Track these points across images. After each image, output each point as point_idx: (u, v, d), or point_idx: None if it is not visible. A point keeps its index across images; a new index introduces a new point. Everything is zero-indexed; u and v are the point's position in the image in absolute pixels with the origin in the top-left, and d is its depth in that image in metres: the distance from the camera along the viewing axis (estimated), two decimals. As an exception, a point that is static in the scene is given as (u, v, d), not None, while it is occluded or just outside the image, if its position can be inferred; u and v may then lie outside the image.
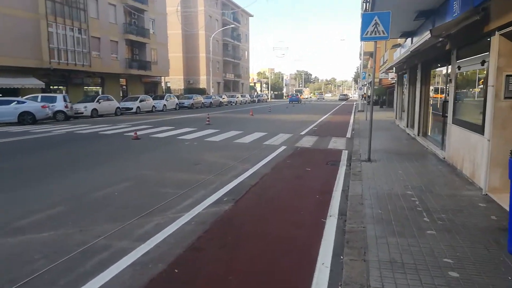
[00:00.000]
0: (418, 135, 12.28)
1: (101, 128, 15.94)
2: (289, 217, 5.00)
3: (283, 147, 11.22)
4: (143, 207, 5.28)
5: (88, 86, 33.54)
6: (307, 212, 5.24)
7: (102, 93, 33.95)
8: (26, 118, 18.29)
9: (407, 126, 14.91)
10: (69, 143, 12.08)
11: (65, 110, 21.09)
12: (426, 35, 6.46)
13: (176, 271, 3.47)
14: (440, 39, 7.71)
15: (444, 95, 9.53)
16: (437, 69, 10.81)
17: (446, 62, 9.20)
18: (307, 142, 12.53)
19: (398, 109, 18.93)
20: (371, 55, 55.77)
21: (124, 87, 38.86)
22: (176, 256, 3.77)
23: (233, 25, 64.18)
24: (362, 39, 8.33)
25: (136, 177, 7.17)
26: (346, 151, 10.65)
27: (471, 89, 7.36)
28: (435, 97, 11.20)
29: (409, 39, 14.56)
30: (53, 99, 21.05)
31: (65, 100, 21.41)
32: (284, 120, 22.36)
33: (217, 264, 3.63)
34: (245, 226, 4.67)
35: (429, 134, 11.72)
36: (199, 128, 16.20)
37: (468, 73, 7.30)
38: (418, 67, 12.38)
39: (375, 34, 8.16)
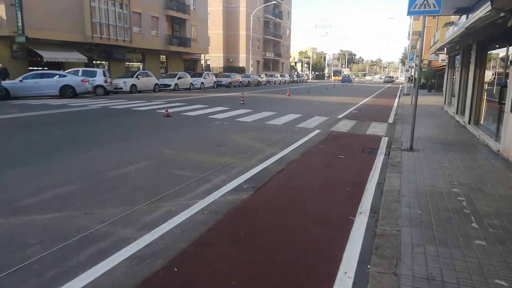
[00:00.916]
0: (469, 123, 11.11)
1: (136, 104, 15.98)
2: (313, 212, 4.47)
3: (317, 131, 10.56)
4: (157, 191, 4.95)
5: (129, 62, 34.04)
6: (334, 206, 4.67)
7: (143, 69, 34.41)
8: (67, 91, 18.73)
9: (457, 113, 13.63)
10: (101, 118, 12.12)
11: (104, 85, 21.43)
12: (486, 7, 5.48)
13: (176, 270, 3.07)
14: (502, 14, 6.62)
15: (502, 79, 8.37)
16: (495, 51, 9.56)
17: (506, 42, 8.03)
18: (344, 126, 11.75)
19: (448, 94, 17.45)
20: (420, 35, 52.30)
21: (164, 63, 39.12)
22: (179, 251, 3.38)
23: (274, 2, 62.39)
24: (409, 13, 7.37)
25: (157, 156, 6.88)
26: (386, 138, 9.81)
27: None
28: (492, 81, 9.98)
29: (464, 16, 13.08)
30: (93, 74, 21.41)
31: (104, 75, 21.73)
32: (323, 102, 21.44)
33: (223, 264, 3.19)
34: (262, 219, 4.20)
35: (481, 122, 10.55)
36: (232, 107, 15.79)
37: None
38: (472, 48, 11.09)
39: (425, 7, 7.19)
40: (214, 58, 55.77)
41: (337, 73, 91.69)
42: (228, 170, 6.12)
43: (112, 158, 6.75)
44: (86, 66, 26.66)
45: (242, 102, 17.81)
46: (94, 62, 29.73)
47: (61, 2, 25.28)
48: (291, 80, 60.33)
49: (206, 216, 4.19)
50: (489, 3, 5.32)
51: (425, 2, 7.13)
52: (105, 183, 5.32)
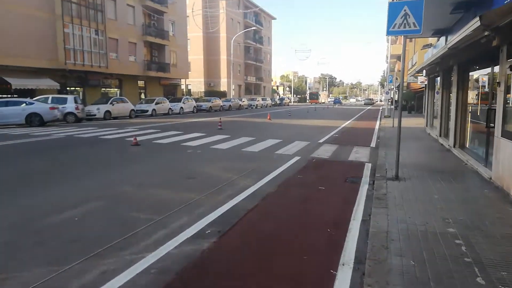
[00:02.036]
0: (454, 146, 10.66)
1: (105, 132, 15.05)
2: (286, 266, 3.68)
3: (296, 158, 9.88)
4: (98, 242, 4.09)
5: (106, 88, 33.18)
6: (312, 256, 3.91)
7: (120, 94, 33.58)
8: (34, 119, 17.69)
9: (440, 135, 13.24)
10: (61, 149, 11.15)
11: (75, 112, 20.46)
12: (473, 24, 5.00)
13: None
14: (486, 33, 6.19)
15: (488, 101, 7.94)
16: (477, 72, 9.22)
17: (491, 62, 7.65)
18: (325, 152, 11.13)
19: (429, 116, 17.19)
20: (398, 58, 53.45)
21: (143, 89, 38.37)
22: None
23: (254, 28, 63.11)
24: (388, 33, 6.92)
25: (112, 195, 6.01)
26: (370, 164, 9.20)
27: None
28: (476, 104, 9.60)
29: (442, 38, 12.93)
30: (64, 101, 20.46)
31: (76, 102, 20.80)
32: (303, 125, 20.95)
33: None
34: (220, 282, 3.38)
35: (467, 146, 10.10)
36: (209, 133, 15.05)
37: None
38: (453, 69, 10.78)
39: (404, 27, 6.74)
40: (195, 82, 55.42)
41: (313, 96, 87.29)
42: (192, 209, 5.31)
43: (56, 199, 5.84)
44: (59, 93, 25.70)
45: (219, 127, 17.12)
46: (68, 88, 28.78)
47: (32, 28, 24.50)
48: (273, 103, 60.32)
49: (151, 278, 3.35)
50: (477, 19, 4.83)
51: (405, 21, 6.69)
52: (39, 232, 4.42)
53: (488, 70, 8.10)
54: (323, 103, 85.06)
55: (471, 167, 8.22)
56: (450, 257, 3.67)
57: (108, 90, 33.76)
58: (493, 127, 7.06)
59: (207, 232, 4.45)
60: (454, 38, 6.52)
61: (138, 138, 12.92)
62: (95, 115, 22.81)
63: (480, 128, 9.33)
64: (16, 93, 23.32)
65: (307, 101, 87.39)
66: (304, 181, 7.41)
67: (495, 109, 7.07)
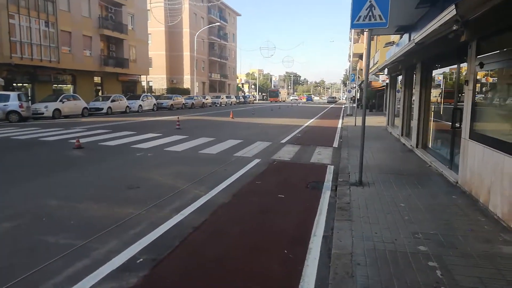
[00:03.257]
0: (417, 146, 10.41)
1: (48, 133, 13.65)
2: (231, 305, 2.98)
3: (256, 161, 9.21)
4: (-6, 281, 3.19)
5: (58, 84, 30.99)
6: (264, 289, 3.23)
7: (74, 91, 31.48)
8: (-32, 119, 15.91)
9: (402, 135, 13.06)
10: (-5, 152, 9.88)
11: (19, 110, 18.70)
12: (448, 13, 4.51)
13: None
14: (455, 27, 5.77)
15: (454, 100, 7.63)
16: (443, 69, 8.95)
17: (457, 59, 7.33)
18: (287, 153, 10.55)
19: (391, 115, 17.11)
20: (360, 56, 54.31)
21: (100, 85, 36.33)
22: None
23: (219, 24, 61.96)
24: (353, 26, 6.37)
25: (32, 212, 5.04)
26: (332, 167, 8.70)
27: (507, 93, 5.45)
28: (439, 102, 9.35)
29: (405, 36, 12.72)
30: (6, 98, 18.65)
31: (20, 99, 19.01)
32: (267, 124, 20.36)
33: None
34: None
35: (429, 146, 9.86)
36: (165, 133, 14.08)
37: (499, 71, 5.39)
38: (416, 67, 10.52)
39: (370, 19, 6.23)
40: (157, 79, 53.57)
41: (273, 93, 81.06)
42: (126, 229, 4.48)
43: (-38, 218, 4.81)
44: (4, 89, 23.55)
45: (178, 127, 16.15)
46: (14, 84, 26.54)
47: (-30, 17, 22.25)
48: (238, 101, 59.51)
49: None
50: (453, 7, 4.33)
51: (370, 13, 6.17)
52: None
53: (451, 67, 7.79)
54: (283, 101, 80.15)
55: (436, 169, 7.90)
56: (424, 286, 3.11)
57: (61, 86, 31.56)
58: (459, 127, 6.73)
59: (138, 261, 3.65)
60: (422, 32, 6.08)
61: (84, 140, 11.79)
62: (42, 113, 21.02)
63: (443, 128, 9.08)
64: (-48, 89, 21.12)
65: (257, 100, 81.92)
66: (263, 188, 6.75)
67: (462, 108, 6.73)
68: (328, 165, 8.93)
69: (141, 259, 3.68)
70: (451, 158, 7.44)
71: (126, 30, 37.40)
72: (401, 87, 13.92)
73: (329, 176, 7.77)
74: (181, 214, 5.07)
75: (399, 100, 14.20)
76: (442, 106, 9.35)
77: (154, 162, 8.82)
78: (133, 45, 39.56)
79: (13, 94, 19.15)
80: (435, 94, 9.98)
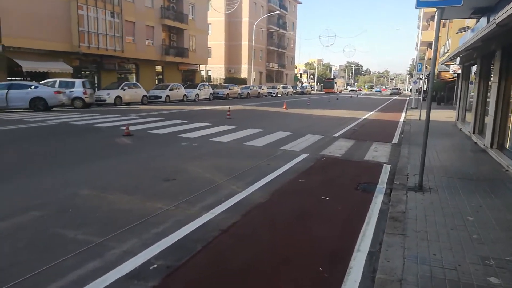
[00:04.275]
0: (491, 146, 9.06)
1: (104, 119, 14.07)
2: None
3: (303, 155, 8.58)
4: (-1, 278, 3.00)
5: (122, 72, 32.48)
6: (286, 317, 2.68)
7: (137, 80, 32.85)
8: (38, 104, 17.03)
9: (474, 132, 11.57)
10: (47, 137, 10.26)
11: (83, 96, 19.72)
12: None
13: None
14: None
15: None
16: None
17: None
18: (339, 148, 9.76)
19: (462, 109, 15.38)
20: (429, 45, 50.33)
21: (161, 74, 37.55)
22: None
23: (278, 12, 61.01)
24: (419, 4, 5.44)
25: (59, 202, 4.93)
26: (389, 166, 7.81)
27: None
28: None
29: (483, 19, 11.13)
30: (72, 85, 19.74)
31: (84, 86, 20.03)
32: (321, 116, 19.46)
33: None
34: None
35: (507, 147, 8.50)
36: (215, 123, 13.89)
37: None
38: (496, 55, 9.09)
39: (440, -4, 5.26)
40: (215, 68, 54.35)
41: (328, 84, 74.46)
42: (150, 227, 4.16)
43: (-2, 203, 4.83)
44: (73, 77, 25.10)
45: (228, 117, 15.91)
46: (82, 72, 28.23)
47: (45, 9, 23.82)
48: (295, 91, 58.44)
49: None
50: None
51: (440, -11, 5.21)
52: None
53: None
54: (340, 92, 73.86)
55: (515, 176, 6.70)
56: None
57: (124, 74, 33.08)
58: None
59: (151, 267, 3.28)
60: (506, 11, 4.99)
61: (137, 127, 11.94)
62: (105, 100, 22.04)
63: (526, 126, 7.75)
64: (28, 76, 22.88)
65: (315, 90, 76.70)
66: (306, 187, 6.13)
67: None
68: (385, 164, 8.04)
69: (155, 265, 3.31)
70: (536, 163, 6.23)
71: (187, 20, 38.09)
72: (475, 78, 12.33)
73: (384, 177, 6.93)
74: (211, 213, 4.66)
75: (473, 93, 12.62)
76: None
77: (197, 152, 8.56)
78: (193, 35, 40.24)
79: (78, 81, 20.23)
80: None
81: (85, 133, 10.97)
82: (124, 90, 23.26)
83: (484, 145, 9.64)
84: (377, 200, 5.53)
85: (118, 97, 22.62)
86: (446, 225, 4.33)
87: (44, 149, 8.72)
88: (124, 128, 10.72)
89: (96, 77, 29.71)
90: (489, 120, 9.41)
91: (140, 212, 4.61)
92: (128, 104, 23.87)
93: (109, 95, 22.19)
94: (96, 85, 29.02)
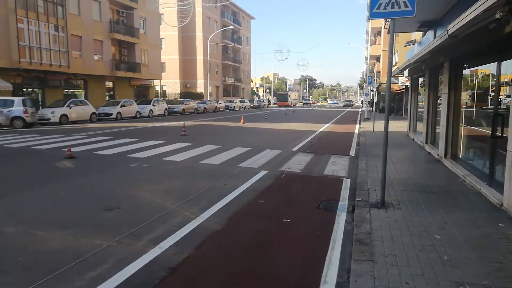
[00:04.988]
0: (445, 156, 9.20)
1: (44, 141, 12.87)
2: None
3: (262, 173, 8.20)
4: None
5: (68, 89, 30.69)
6: None
7: (85, 96, 31.22)
8: (-31, 125, 15.42)
9: (427, 142, 11.83)
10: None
11: (24, 116, 18.19)
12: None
13: None
14: (498, 15, 4.66)
15: (493, 104, 6.46)
16: (476, 68, 7.77)
17: (498, 55, 6.16)
18: (298, 163, 9.49)
19: (412, 119, 15.84)
20: (377, 59, 52.73)
21: (111, 90, 35.98)
22: None
23: (232, 27, 61.34)
24: (372, 15, 5.30)
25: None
26: (349, 181, 7.62)
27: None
28: (471, 106, 8.16)
29: (430, 33, 11.51)
30: (11, 103, 18.18)
31: (24, 105, 18.51)
32: (279, 130, 19.31)
33: None
34: None
35: (460, 156, 8.65)
36: (169, 140, 13.20)
37: None
38: (444, 66, 9.33)
39: (392, 7, 5.15)
40: (170, 83, 53.27)
41: (282, 97, 73.29)
42: (82, 271, 3.51)
43: None
44: (13, 94, 23.24)
45: (183, 133, 15.26)
46: (24, 89, 26.31)
47: (-21, 22, 22.02)
48: (252, 105, 58.57)
49: None
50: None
51: (393, 0, 5.09)
52: None
53: (493, 65, 6.61)
54: (294, 105, 72.90)
55: (472, 186, 6.71)
56: None
57: (72, 91, 31.28)
58: (502, 137, 5.59)
59: (79, 327, 2.67)
60: (459, 21, 4.95)
61: (80, 148, 11.02)
62: (49, 119, 20.51)
63: (477, 135, 7.90)
64: (-40, 95, 20.87)
65: (271, 104, 75.34)
66: (266, 208, 5.72)
67: (504, 114, 5.59)
68: (344, 179, 7.84)
69: (85, 325, 2.70)
70: (491, 173, 6.26)
71: (138, 34, 37.04)
72: (424, 90, 12.70)
73: (345, 193, 6.69)
74: (159, 248, 4.09)
75: (425, 103, 12.98)
76: (475, 110, 8.18)
77: (147, 174, 7.90)
78: (145, 49, 39.18)
79: (17, 100, 18.68)
80: (464, 96, 8.80)
81: (20, 157, 9.88)
82: (70, 107, 21.85)
83: (438, 155, 9.79)
84: (340, 219, 5.23)
85: (64, 115, 21.18)
86: (414, 246, 4.06)
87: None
88: (66, 149, 9.77)
89: (40, 94, 27.84)
90: (441, 130, 9.59)
91: (74, 251, 3.94)
92: (75, 122, 22.47)
93: (53, 114, 20.70)
94: (40, 103, 27.15)
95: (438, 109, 11.08)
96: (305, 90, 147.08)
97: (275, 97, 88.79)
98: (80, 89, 32.07)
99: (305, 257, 4.00)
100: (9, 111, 17.77)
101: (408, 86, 20.53)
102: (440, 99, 10.35)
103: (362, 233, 4.47)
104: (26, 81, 26.25)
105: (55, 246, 4.09)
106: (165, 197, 6.13)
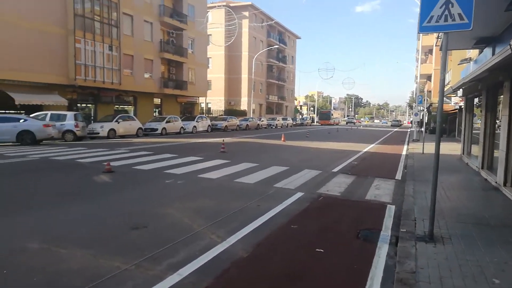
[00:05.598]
0: (505, 184, 8.23)
1: (89, 154, 13.32)
2: None
3: (298, 195, 7.77)
4: None
5: (119, 105, 32.18)
6: None
7: (134, 112, 32.57)
8: (25, 137, 16.41)
9: (483, 167, 10.77)
10: (18, 174, 9.49)
11: (74, 129, 19.13)
12: None
13: None
14: None
15: None
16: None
17: None
18: (337, 185, 8.94)
19: (467, 142, 14.64)
20: (428, 78, 50.50)
21: (159, 106, 37.29)
22: None
23: (277, 46, 61.86)
24: (421, 29, 4.83)
25: (0, 258, 4.10)
26: (393, 207, 6.98)
27: None
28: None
29: (487, 50, 10.61)
30: (63, 117, 19.22)
31: (76, 119, 19.49)
32: (320, 149, 18.72)
33: None
34: None
35: (523, 184, 7.69)
36: (207, 157, 13.14)
37: None
38: (505, 85, 8.46)
39: (446, 20, 4.65)
40: (215, 101, 54.41)
41: (324, 116, 71.29)
42: (96, 296, 3.31)
43: None
44: (68, 109, 24.72)
45: (222, 150, 15.20)
46: (78, 105, 27.90)
47: (41, 43, 23.74)
48: (295, 123, 58.13)
49: None
50: None
51: (446, 12, 4.61)
52: None
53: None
54: (337, 124, 71.03)
55: (539, 221, 5.84)
56: None
57: (122, 107, 32.78)
58: None
59: None
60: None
61: (120, 163, 11.22)
62: (98, 133, 21.47)
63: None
64: (22, 109, 22.49)
65: (315, 122, 73.49)
66: (298, 235, 5.29)
67: None
68: (388, 205, 7.21)
69: None
70: None
71: (186, 53, 38.31)
72: (481, 111, 11.68)
73: (388, 222, 6.08)
74: (177, 275, 3.81)
75: (481, 125, 11.93)
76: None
77: (180, 192, 7.75)
78: (193, 68, 40.39)
79: (69, 114, 19.72)
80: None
81: (62, 170, 10.19)
82: (118, 122, 22.75)
83: (496, 182, 8.81)
84: (381, 253, 4.68)
85: (112, 129, 22.06)
86: (468, 292, 3.46)
87: (7, 189, 7.92)
88: (105, 164, 9.95)
89: (93, 109, 29.39)
90: (500, 155, 8.64)
91: (91, 273, 3.77)
92: (122, 137, 23.30)
93: (102, 128, 21.64)
94: (92, 117, 28.64)
95: (496, 132, 10.09)
96: (350, 109, 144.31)
97: (318, 116, 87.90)
98: (130, 105, 33.53)
99: (338, 297, 3.53)
100: (61, 124, 18.78)
101: (462, 106, 19.19)
102: (499, 121, 9.41)
103: (405, 271, 3.92)
104: (81, 97, 27.84)
105: (73, 267, 3.94)
106: (195, 217, 5.89)
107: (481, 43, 9.67)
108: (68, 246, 4.50)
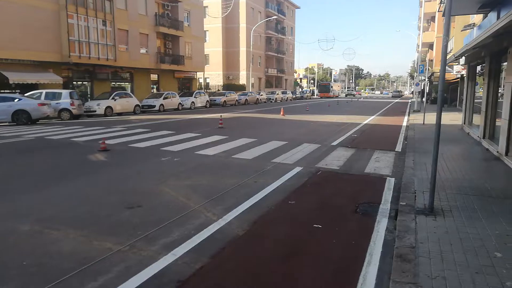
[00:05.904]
0: (507, 154, 8.09)
1: (84, 132, 13.12)
2: None
3: (297, 169, 7.65)
4: None
5: (115, 82, 31.70)
6: None
7: (131, 89, 32.13)
8: (20, 117, 16.19)
9: (484, 137, 10.61)
10: (11, 155, 9.33)
11: (70, 108, 18.87)
12: None
13: None
14: None
15: None
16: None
17: None
18: (337, 159, 8.81)
19: (468, 111, 14.41)
20: (430, 46, 49.46)
21: (156, 83, 36.77)
22: None
23: (276, 17, 60.35)
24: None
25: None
26: (393, 180, 6.88)
27: None
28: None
29: (492, 14, 10.21)
30: (59, 96, 18.92)
31: (71, 97, 19.18)
32: (320, 122, 18.50)
33: None
34: None
35: (526, 154, 7.54)
36: (205, 133, 12.97)
37: None
38: (509, 51, 8.16)
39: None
40: (213, 75, 53.62)
41: (323, 88, 69.82)
42: (87, 278, 3.23)
43: None
44: (64, 87, 24.33)
45: (220, 126, 15.01)
46: (74, 83, 27.46)
47: (33, 19, 23.07)
48: (295, 97, 57.54)
49: None
50: None
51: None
52: None
53: None
54: (337, 97, 69.45)
55: (541, 190, 5.73)
56: None
57: (118, 84, 32.30)
58: None
59: None
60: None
61: (117, 140, 11.08)
62: (95, 111, 21.20)
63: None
64: (17, 88, 22.13)
65: (315, 95, 71.52)
66: (296, 211, 5.19)
67: None
68: (388, 178, 7.10)
69: None
70: None
71: (182, 27, 37.36)
72: (483, 79, 11.39)
73: (387, 195, 5.98)
74: (172, 254, 3.72)
75: (483, 94, 11.67)
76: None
77: (176, 169, 7.63)
78: (189, 42, 39.50)
79: (64, 92, 19.40)
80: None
81: (57, 149, 10.03)
82: (115, 100, 22.42)
83: (498, 152, 8.67)
84: (380, 227, 4.59)
85: (109, 107, 21.78)
86: (468, 266, 3.37)
87: (7, 168, 7.81)
88: (101, 142, 9.79)
89: (89, 87, 28.97)
90: (502, 124, 8.45)
91: (83, 255, 3.68)
92: (119, 114, 23.05)
93: (99, 106, 21.36)
94: (89, 95, 28.26)
95: (498, 100, 9.86)
96: (351, 81, 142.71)
97: (318, 88, 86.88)
98: (127, 82, 33.04)
99: (336, 274, 3.45)
100: (57, 103, 18.50)
101: (464, 75, 18.81)
102: (502, 89, 9.17)
103: (405, 246, 3.83)
104: (76, 74, 27.36)
105: (64, 249, 3.85)
106: (190, 195, 5.79)
107: (485, 7, 9.28)
108: (61, 228, 4.41)
